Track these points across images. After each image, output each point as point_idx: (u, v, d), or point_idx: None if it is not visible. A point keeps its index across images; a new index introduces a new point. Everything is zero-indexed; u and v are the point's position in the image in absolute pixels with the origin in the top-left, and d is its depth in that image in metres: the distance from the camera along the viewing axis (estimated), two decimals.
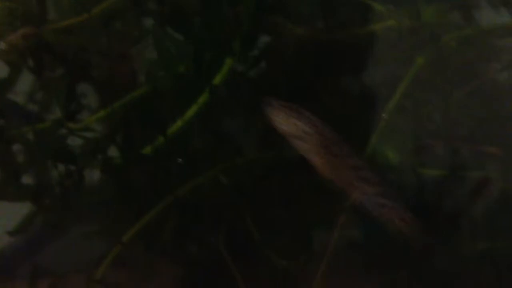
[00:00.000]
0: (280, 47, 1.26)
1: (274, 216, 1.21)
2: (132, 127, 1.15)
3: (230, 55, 1.13)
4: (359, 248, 1.26)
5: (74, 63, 1.22)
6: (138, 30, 1.22)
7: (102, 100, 1.21)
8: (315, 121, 1.03)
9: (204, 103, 1.14)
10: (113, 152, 1.16)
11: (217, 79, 1.14)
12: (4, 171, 1.09)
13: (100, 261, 1.16)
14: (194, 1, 1.21)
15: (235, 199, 1.17)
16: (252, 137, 1.25)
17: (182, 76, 1.15)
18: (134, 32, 1.22)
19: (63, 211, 1.17)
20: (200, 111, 1.14)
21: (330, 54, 1.30)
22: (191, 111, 1.14)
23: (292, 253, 1.24)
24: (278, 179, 1.20)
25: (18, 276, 1.29)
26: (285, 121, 1.03)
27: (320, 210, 1.23)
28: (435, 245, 1.18)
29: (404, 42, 1.27)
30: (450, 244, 1.23)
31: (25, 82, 1.23)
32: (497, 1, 1.28)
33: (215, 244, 1.22)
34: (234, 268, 1.20)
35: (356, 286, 1.25)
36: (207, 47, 1.14)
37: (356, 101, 1.31)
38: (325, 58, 1.30)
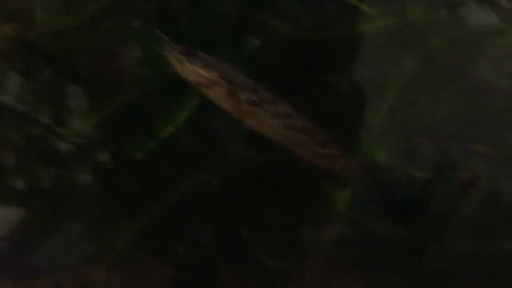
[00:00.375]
0: (268, 46, 1.26)
1: (264, 216, 1.21)
2: (121, 130, 1.15)
3: (219, 55, 1.12)
4: (349, 246, 1.27)
5: (62, 64, 1.22)
6: (126, 30, 1.21)
7: (91, 102, 1.21)
8: (220, 67, 1.01)
9: (194, 106, 1.13)
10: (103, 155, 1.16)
11: None
12: None
13: (91, 261, 1.16)
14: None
15: (225, 200, 1.18)
16: (241, 137, 1.25)
17: (170, 77, 1.14)
18: (122, 32, 1.22)
19: (52, 214, 1.16)
20: (190, 114, 1.14)
21: (318, 53, 1.30)
22: (181, 115, 1.14)
23: (282, 253, 1.25)
24: (267, 179, 1.20)
25: (8, 276, 1.28)
26: (186, 69, 1.01)
27: (310, 210, 1.24)
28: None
29: (393, 42, 1.28)
30: (440, 243, 1.25)
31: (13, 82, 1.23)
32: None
33: (205, 244, 1.22)
34: (225, 269, 1.21)
35: (348, 285, 1.26)
36: (196, 47, 1.13)
37: (345, 100, 1.32)
38: (313, 57, 1.30)
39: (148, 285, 1.26)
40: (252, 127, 1.03)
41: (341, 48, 1.31)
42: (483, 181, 1.28)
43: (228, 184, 1.19)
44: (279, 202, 1.24)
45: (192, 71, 1.00)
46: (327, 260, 1.24)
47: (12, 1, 1.12)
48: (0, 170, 1.08)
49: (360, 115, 1.28)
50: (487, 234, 1.24)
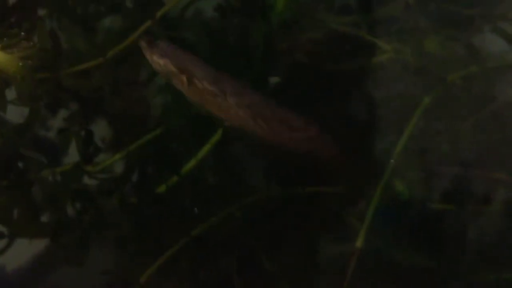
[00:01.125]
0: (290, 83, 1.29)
1: (287, 249, 1.23)
2: (147, 167, 1.19)
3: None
4: (369, 275, 1.27)
5: (90, 103, 1.27)
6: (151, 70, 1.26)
7: (117, 139, 1.26)
8: (178, 57, 1.05)
9: (216, 142, 1.17)
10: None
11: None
12: (24, 210, 1.13)
13: None
14: (204, 43, 1.25)
15: (247, 231, 1.20)
16: (263, 169, 1.28)
17: (194, 117, 1.19)
18: (147, 72, 1.26)
19: (78, 246, 1.20)
20: (212, 150, 1.17)
21: (338, 84, 1.32)
22: (204, 150, 1.18)
23: (303, 282, 1.26)
24: (289, 209, 1.23)
25: None
26: (149, 58, 1.07)
27: (330, 239, 1.26)
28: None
29: (411, 73, 1.30)
30: (460, 272, 1.25)
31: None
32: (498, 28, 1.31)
33: (229, 275, 1.25)
34: None
35: None
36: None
37: (364, 130, 1.34)
38: (334, 88, 1.32)
39: None
40: (219, 116, 1.06)
41: (360, 79, 1.33)
42: (505, 209, 1.28)
43: (250, 215, 1.21)
44: (300, 232, 1.26)
45: (152, 60, 1.06)
46: None
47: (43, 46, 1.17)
48: (30, 204, 1.13)
49: (379, 146, 1.30)
50: (508, 263, 1.24)
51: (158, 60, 1.06)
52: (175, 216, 1.19)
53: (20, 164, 1.11)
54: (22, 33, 0.95)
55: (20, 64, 0.89)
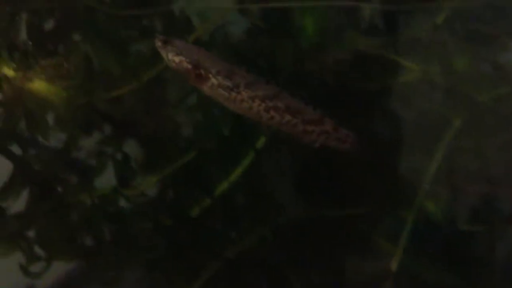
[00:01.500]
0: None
1: (318, 270, 1.25)
2: (180, 188, 1.21)
3: None
4: None
5: (122, 125, 1.30)
6: (183, 93, 1.28)
7: (149, 160, 1.29)
8: (192, 53, 1.06)
9: (248, 164, 1.19)
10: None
11: (260, 142, 1.20)
12: (63, 233, 1.16)
13: None
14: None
15: (279, 254, 1.22)
16: (293, 191, 1.30)
17: (226, 139, 1.21)
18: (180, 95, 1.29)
19: (113, 267, 1.22)
20: (244, 172, 1.20)
21: (366, 103, 1.34)
22: (236, 173, 1.20)
23: None
24: (321, 233, 1.24)
25: None
26: (165, 56, 1.07)
27: (363, 265, 1.27)
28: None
29: (438, 94, 1.31)
30: None
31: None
32: None
33: None
34: None
35: None
36: None
37: (392, 150, 1.35)
38: (362, 107, 1.34)
39: None
40: (234, 110, 1.07)
41: (387, 99, 1.35)
42: None
43: (281, 236, 1.23)
44: (331, 252, 1.28)
45: (167, 58, 1.07)
46: None
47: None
48: (69, 228, 1.15)
49: (408, 165, 1.31)
50: None
51: (173, 58, 1.07)
52: (208, 238, 1.21)
53: (59, 188, 1.14)
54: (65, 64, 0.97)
55: (64, 94, 0.92)
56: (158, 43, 1.08)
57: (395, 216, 1.24)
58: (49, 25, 1.24)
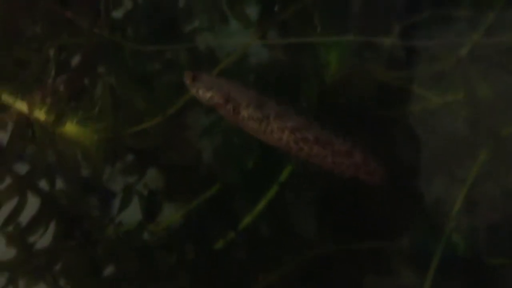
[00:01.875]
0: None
1: None
2: (204, 222, 1.22)
3: None
4: None
5: (145, 156, 1.31)
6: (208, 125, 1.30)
7: (172, 191, 1.30)
8: (221, 87, 1.08)
9: (272, 197, 1.20)
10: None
11: (284, 175, 1.20)
12: (86, 265, 1.17)
13: None
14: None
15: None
16: (316, 222, 1.30)
17: (250, 172, 1.22)
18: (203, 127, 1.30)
19: None
20: (269, 205, 1.20)
21: (386, 130, 1.34)
22: (260, 206, 1.20)
23: None
24: (345, 266, 1.23)
25: None
26: (194, 92, 1.09)
27: None
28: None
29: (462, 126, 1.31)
30: None
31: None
32: None
33: None
34: None
35: None
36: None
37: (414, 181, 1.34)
38: (383, 135, 1.34)
39: None
40: (264, 141, 1.07)
41: (409, 131, 1.35)
42: None
43: (305, 269, 1.23)
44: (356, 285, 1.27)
45: (198, 94, 1.09)
46: None
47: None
48: (95, 262, 1.16)
49: (430, 197, 1.30)
50: None
51: (204, 94, 1.09)
52: (232, 271, 1.21)
53: (85, 223, 1.15)
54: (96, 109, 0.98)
55: (96, 137, 0.94)
56: (187, 80, 1.09)
57: (423, 248, 1.24)
58: (75, 60, 1.26)
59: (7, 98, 0.92)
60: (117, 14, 1.34)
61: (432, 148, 1.35)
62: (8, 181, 1.04)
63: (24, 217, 1.11)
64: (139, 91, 1.29)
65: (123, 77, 1.29)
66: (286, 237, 1.23)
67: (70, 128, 0.92)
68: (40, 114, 0.92)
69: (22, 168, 1.10)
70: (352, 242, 1.21)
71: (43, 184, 1.12)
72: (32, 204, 1.12)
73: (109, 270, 1.23)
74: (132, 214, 1.25)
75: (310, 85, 1.23)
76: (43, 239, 1.14)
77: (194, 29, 1.38)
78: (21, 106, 0.92)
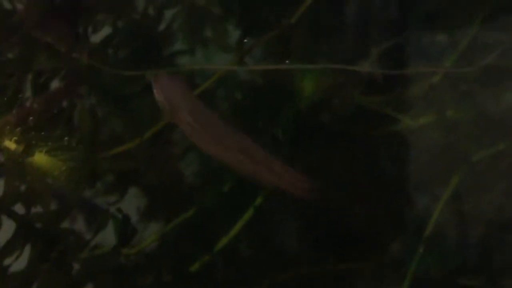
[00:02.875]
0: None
1: None
2: (180, 245, 1.23)
3: None
4: None
5: (124, 176, 1.32)
6: (184, 148, 1.31)
7: (151, 210, 1.31)
8: (172, 92, 1.11)
9: (249, 219, 1.21)
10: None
11: (259, 199, 1.22)
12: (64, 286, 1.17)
13: None
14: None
15: None
16: (295, 241, 1.31)
17: (227, 195, 1.23)
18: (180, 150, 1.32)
19: None
20: (245, 226, 1.21)
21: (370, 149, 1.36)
22: (236, 228, 1.21)
23: None
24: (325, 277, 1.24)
25: None
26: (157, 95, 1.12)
27: None
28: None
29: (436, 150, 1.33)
30: None
31: None
32: None
33: None
34: None
35: None
36: None
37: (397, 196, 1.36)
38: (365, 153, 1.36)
39: None
40: (208, 152, 1.11)
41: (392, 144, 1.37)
42: None
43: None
44: None
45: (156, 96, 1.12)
46: None
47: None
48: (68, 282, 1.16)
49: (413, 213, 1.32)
50: None
51: (157, 96, 1.12)
52: None
53: (60, 245, 1.16)
54: (66, 138, 0.99)
55: (64, 167, 0.94)
56: (152, 81, 1.12)
57: (398, 268, 1.25)
58: (54, 85, 1.27)
59: None
60: (96, 38, 1.36)
61: (407, 169, 1.37)
62: None
63: None
64: (119, 113, 1.31)
65: (103, 100, 1.30)
66: (264, 258, 1.24)
67: (39, 158, 0.93)
68: (10, 144, 0.93)
69: None
70: (330, 261, 1.22)
71: (18, 207, 1.12)
72: (7, 227, 1.12)
73: None
74: (110, 235, 1.26)
75: (285, 109, 1.25)
76: (18, 262, 1.15)
77: (174, 52, 1.41)
78: None
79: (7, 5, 1.35)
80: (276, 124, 1.29)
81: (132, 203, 1.36)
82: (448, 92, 1.36)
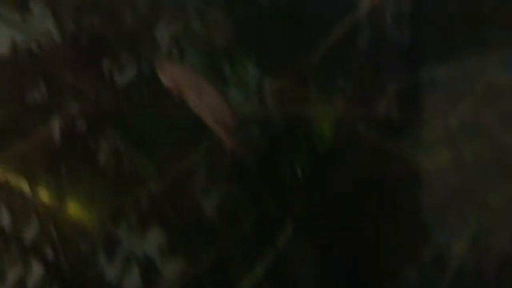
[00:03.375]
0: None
1: None
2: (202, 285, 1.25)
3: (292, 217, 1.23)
4: None
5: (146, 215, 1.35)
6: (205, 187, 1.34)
7: (173, 247, 1.33)
8: (175, 73, 1.19)
9: (270, 261, 1.23)
10: None
11: (281, 241, 1.24)
12: None
13: None
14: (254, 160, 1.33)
15: None
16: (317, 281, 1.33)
17: (247, 238, 1.26)
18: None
19: None
20: (267, 269, 1.23)
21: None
22: (257, 271, 1.23)
23: None
24: None
25: None
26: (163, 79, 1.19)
27: None
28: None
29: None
30: None
31: None
32: None
33: None
34: None
35: None
36: (270, 209, 1.25)
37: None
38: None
39: None
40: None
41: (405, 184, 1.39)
42: None
43: None
44: None
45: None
46: None
47: None
48: None
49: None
50: None
51: (163, 79, 1.19)
52: None
53: None
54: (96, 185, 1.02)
55: (95, 217, 0.98)
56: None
57: None
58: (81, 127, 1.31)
59: (11, 178, 0.96)
60: (121, 79, 1.39)
61: (424, 208, 1.39)
62: (13, 249, 1.07)
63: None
64: (143, 155, 1.34)
65: (127, 141, 1.33)
66: None
67: (72, 208, 0.96)
68: (43, 195, 0.96)
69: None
70: None
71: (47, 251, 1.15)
72: (36, 271, 1.15)
73: None
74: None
75: (304, 153, 1.28)
76: None
77: None
78: (24, 185, 0.96)
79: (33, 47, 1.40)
80: (296, 166, 1.32)
81: (153, 241, 1.39)
82: (465, 132, 1.38)
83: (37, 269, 1.13)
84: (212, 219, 1.37)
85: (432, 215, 1.38)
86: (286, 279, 1.29)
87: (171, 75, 1.20)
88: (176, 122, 1.40)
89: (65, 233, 0.97)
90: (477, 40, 1.55)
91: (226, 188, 1.33)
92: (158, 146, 1.38)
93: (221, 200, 1.36)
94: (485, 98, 1.41)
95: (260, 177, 1.32)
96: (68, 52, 1.40)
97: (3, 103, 1.32)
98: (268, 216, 1.28)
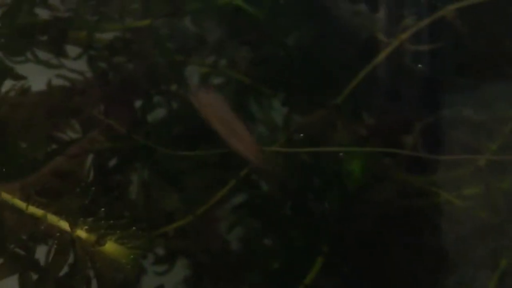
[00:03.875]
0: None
1: None
2: None
3: (321, 255, 1.24)
4: None
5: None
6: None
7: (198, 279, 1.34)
8: (203, 100, 1.25)
9: None
10: None
11: (309, 278, 1.25)
12: None
13: None
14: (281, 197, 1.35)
15: None
16: None
17: (274, 273, 1.26)
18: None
19: None
20: None
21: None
22: None
23: None
24: None
25: None
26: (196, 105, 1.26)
27: None
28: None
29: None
30: None
31: None
32: None
33: None
34: None
35: None
36: (299, 247, 1.26)
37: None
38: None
39: None
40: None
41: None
42: None
43: None
44: None
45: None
46: None
47: None
48: None
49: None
50: None
51: (196, 106, 1.26)
52: None
53: None
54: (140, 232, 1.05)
55: (132, 256, 0.99)
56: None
57: None
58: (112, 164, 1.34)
59: (50, 217, 0.99)
60: (152, 118, 1.43)
61: (452, 246, 1.38)
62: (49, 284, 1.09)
63: None
64: (172, 191, 1.36)
65: (156, 178, 1.36)
66: None
67: (110, 246, 0.98)
68: (82, 233, 0.99)
69: None
70: None
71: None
72: None
73: None
74: None
75: (333, 189, 1.29)
76: None
77: None
78: (64, 224, 0.99)
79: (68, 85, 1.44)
80: (324, 202, 1.33)
81: (179, 274, 1.40)
82: (493, 169, 1.38)
83: None
84: (239, 254, 1.38)
85: (460, 251, 1.37)
86: None
87: (204, 101, 1.25)
88: (204, 158, 1.42)
89: (102, 268, 0.99)
90: (503, 78, 1.56)
91: (254, 224, 1.34)
92: (187, 181, 1.40)
93: (248, 235, 1.37)
94: None
95: (289, 213, 1.33)
96: (100, 90, 1.44)
97: (38, 139, 1.36)
98: (296, 252, 1.29)
